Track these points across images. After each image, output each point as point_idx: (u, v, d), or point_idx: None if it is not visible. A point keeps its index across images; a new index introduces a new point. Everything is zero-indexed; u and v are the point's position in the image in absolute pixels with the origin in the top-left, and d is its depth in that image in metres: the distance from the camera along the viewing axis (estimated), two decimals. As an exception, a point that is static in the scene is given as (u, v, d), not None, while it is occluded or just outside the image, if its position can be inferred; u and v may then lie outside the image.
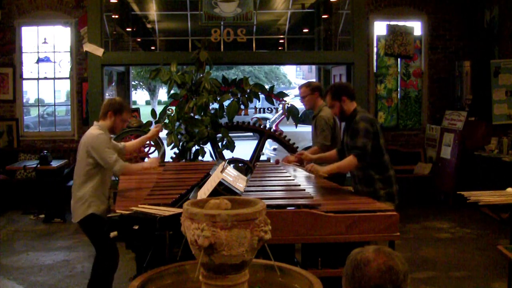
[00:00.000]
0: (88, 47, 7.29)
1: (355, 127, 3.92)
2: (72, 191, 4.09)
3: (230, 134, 6.69)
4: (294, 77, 36.76)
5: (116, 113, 4.09)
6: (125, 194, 3.87)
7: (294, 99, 12.62)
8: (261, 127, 7.00)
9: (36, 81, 9.11)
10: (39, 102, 11.27)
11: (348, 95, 4.07)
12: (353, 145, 3.89)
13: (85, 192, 3.98)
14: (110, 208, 4.19)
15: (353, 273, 1.64)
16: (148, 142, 6.92)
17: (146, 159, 6.91)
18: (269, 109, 7.46)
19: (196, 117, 6.58)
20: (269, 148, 10.76)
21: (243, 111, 7.02)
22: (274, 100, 7.12)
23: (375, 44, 8.78)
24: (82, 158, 4.02)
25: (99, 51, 7.21)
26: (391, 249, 1.73)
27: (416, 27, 8.89)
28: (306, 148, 7.13)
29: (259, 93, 6.99)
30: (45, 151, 7.68)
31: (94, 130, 4.04)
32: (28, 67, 9.01)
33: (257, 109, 8.06)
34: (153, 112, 6.98)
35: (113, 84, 9.78)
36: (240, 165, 6.20)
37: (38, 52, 8.97)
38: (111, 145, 4.09)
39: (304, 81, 6.45)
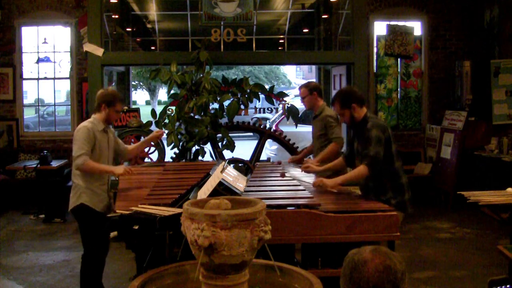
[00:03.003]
0: (88, 47, 7.30)
1: (367, 134, 3.78)
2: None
3: (230, 134, 6.69)
4: (294, 77, 36.75)
5: (109, 106, 4.15)
6: (125, 194, 3.87)
7: (294, 99, 12.63)
8: (261, 127, 7.00)
9: (36, 81, 9.11)
10: (39, 102, 11.26)
11: (357, 101, 3.91)
12: (365, 154, 3.75)
13: (76, 183, 4.07)
14: (111, 205, 4.20)
15: (351, 274, 1.65)
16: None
17: (147, 159, 6.91)
18: (269, 109, 7.46)
19: (196, 117, 6.59)
20: (269, 148, 10.76)
21: (243, 111, 7.02)
22: (274, 100, 7.12)
23: (375, 44, 8.78)
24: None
25: (99, 51, 7.22)
26: (388, 249, 1.73)
27: (416, 27, 8.89)
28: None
29: (259, 93, 6.98)
30: (45, 151, 7.68)
31: (85, 122, 4.15)
32: (28, 67, 9.01)
33: (257, 109, 8.06)
34: (153, 112, 6.97)
35: (113, 84, 9.78)
36: (240, 165, 6.21)
37: (38, 52, 8.96)
38: (90, 141, 4.03)
39: (304, 81, 6.46)
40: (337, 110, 4.02)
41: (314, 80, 10.35)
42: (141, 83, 30.06)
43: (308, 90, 5.38)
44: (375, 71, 8.85)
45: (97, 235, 4.08)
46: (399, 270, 1.64)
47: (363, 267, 1.63)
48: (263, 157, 7.87)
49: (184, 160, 6.59)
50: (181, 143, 6.58)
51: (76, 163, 3.97)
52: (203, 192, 3.04)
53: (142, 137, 6.96)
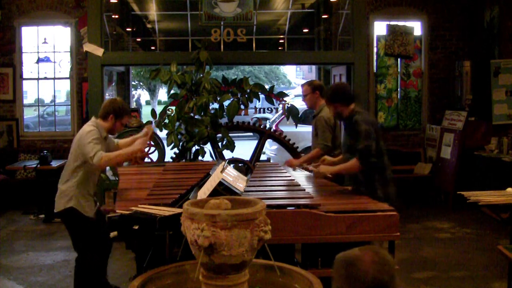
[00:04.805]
0: (88, 47, 7.29)
1: (356, 129, 3.89)
2: (58, 185, 4.15)
3: (230, 134, 6.69)
4: (294, 77, 36.74)
5: (117, 118, 4.17)
6: (125, 194, 3.87)
7: (294, 99, 12.64)
8: (261, 127, 7.00)
9: (36, 81, 9.11)
10: (39, 102, 11.26)
11: (343, 100, 4.04)
12: (356, 147, 3.88)
13: (68, 186, 4.05)
14: (98, 207, 4.28)
15: (348, 271, 1.63)
16: (148, 142, 6.91)
17: (147, 159, 6.91)
18: (269, 109, 7.46)
19: (196, 117, 6.58)
20: (269, 148, 10.76)
21: (243, 111, 7.01)
22: (274, 100, 7.11)
23: (375, 44, 8.78)
24: (73, 153, 4.10)
25: (99, 51, 7.21)
26: (375, 246, 1.74)
27: (416, 27, 8.89)
28: (306, 149, 7.15)
29: (259, 93, 6.98)
30: (45, 151, 7.68)
31: (88, 127, 4.10)
32: (28, 67, 9.01)
33: (257, 109, 8.05)
34: (153, 112, 6.97)
35: (113, 84, 9.78)
36: (240, 165, 6.21)
37: (38, 52, 8.96)
38: (100, 141, 4.06)
39: (304, 81, 6.47)
40: (326, 103, 4.28)
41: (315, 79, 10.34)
42: (141, 83, 30.05)
43: (311, 88, 5.37)
44: (375, 71, 8.85)
45: (88, 238, 4.10)
46: (392, 261, 1.65)
47: (358, 261, 1.62)
48: (263, 157, 7.87)
49: (184, 160, 6.59)
50: (181, 143, 6.58)
51: (94, 161, 3.87)
52: (203, 192, 3.03)
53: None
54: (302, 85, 5.61)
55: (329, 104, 4.15)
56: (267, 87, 7.17)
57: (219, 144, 6.68)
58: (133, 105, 20.77)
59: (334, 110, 4.11)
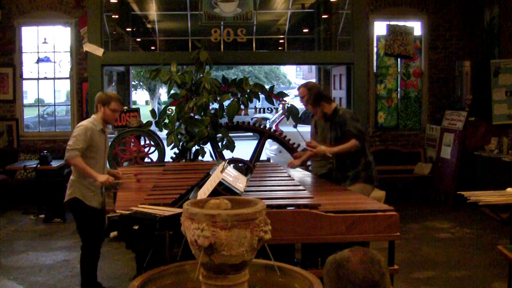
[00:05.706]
0: (88, 47, 7.29)
1: (342, 119, 4.43)
2: None
3: (230, 134, 6.69)
4: (294, 77, 36.75)
5: (104, 105, 4.38)
6: (125, 194, 3.87)
7: (294, 99, 12.63)
8: (261, 127, 7.00)
9: (36, 81, 9.11)
10: (39, 102, 11.26)
11: (325, 100, 4.60)
12: (348, 133, 4.36)
13: (73, 178, 4.33)
14: (104, 201, 4.46)
15: (338, 273, 1.65)
16: (148, 142, 6.92)
17: (146, 159, 6.91)
18: (269, 109, 7.46)
19: (196, 117, 6.58)
20: (269, 148, 10.75)
21: (243, 111, 7.02)
22: (274, 100, 7.12)
23: (375, 44, 8.78)
24: None
25: (99, 51, 7.21)
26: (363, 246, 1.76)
27: (416, 27, 8.88)
28: (305, 149, 7.12)
29: (259, 93, 6.98)
30: (45, 151, 7.68)
31: (85, 121, 4.40)
32: (28, 67, 9.01)
33: (257, 109, 8.05)
34: (153, 112, 6.98)
35: (113, 84, 9.78)
36: (240, 165, 6.20)
37: (38, 52, 8.96)
38: (86, 138, 4.23)
39: (304, 81, 6.46)
40: (310, 108, 4.72)
41: (314, 80, 10.35)
42: (141, 83, 30.03)
43: (307, 90, 5.36)
44: (375, 71, 8.85)
45: (91, 227, 4.32)
46: (381, 260, 1.66)
47: (348, 262, 1.64)
48: (263, 157, 7.86)
49: (184, 160, 6.59)
50: (181, 143, 6.58)
51: (66, 155, 4.23)
52: (203, 192, 3.03)
53: (142, 137, 6.97)
54: (298, 88, 5.58)
55: (315, 108, 4.59)
56: (267, 87, 7.17)
57: (219, 144, 6.68)
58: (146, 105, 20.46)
59: (321, 111, 4.58)
